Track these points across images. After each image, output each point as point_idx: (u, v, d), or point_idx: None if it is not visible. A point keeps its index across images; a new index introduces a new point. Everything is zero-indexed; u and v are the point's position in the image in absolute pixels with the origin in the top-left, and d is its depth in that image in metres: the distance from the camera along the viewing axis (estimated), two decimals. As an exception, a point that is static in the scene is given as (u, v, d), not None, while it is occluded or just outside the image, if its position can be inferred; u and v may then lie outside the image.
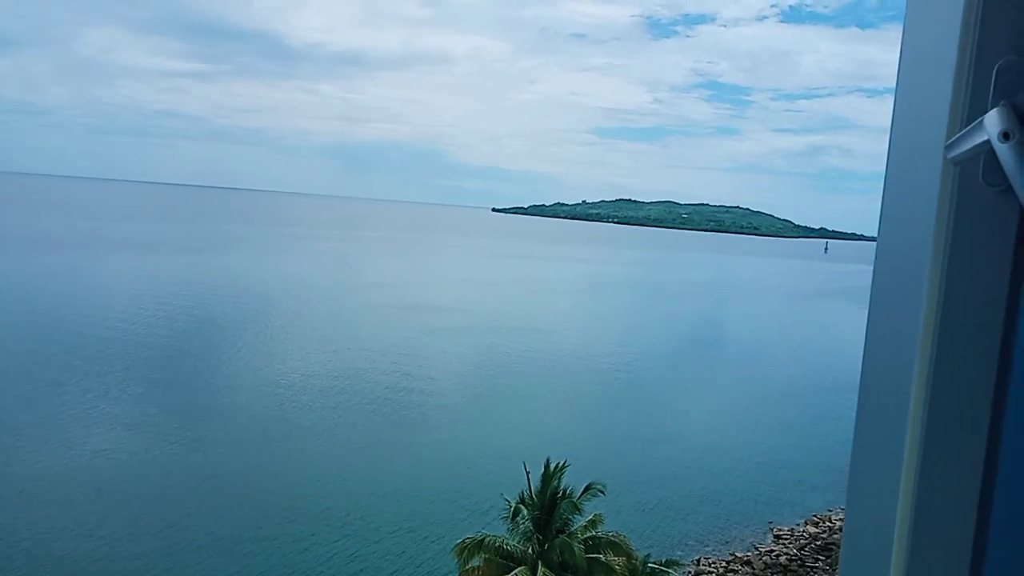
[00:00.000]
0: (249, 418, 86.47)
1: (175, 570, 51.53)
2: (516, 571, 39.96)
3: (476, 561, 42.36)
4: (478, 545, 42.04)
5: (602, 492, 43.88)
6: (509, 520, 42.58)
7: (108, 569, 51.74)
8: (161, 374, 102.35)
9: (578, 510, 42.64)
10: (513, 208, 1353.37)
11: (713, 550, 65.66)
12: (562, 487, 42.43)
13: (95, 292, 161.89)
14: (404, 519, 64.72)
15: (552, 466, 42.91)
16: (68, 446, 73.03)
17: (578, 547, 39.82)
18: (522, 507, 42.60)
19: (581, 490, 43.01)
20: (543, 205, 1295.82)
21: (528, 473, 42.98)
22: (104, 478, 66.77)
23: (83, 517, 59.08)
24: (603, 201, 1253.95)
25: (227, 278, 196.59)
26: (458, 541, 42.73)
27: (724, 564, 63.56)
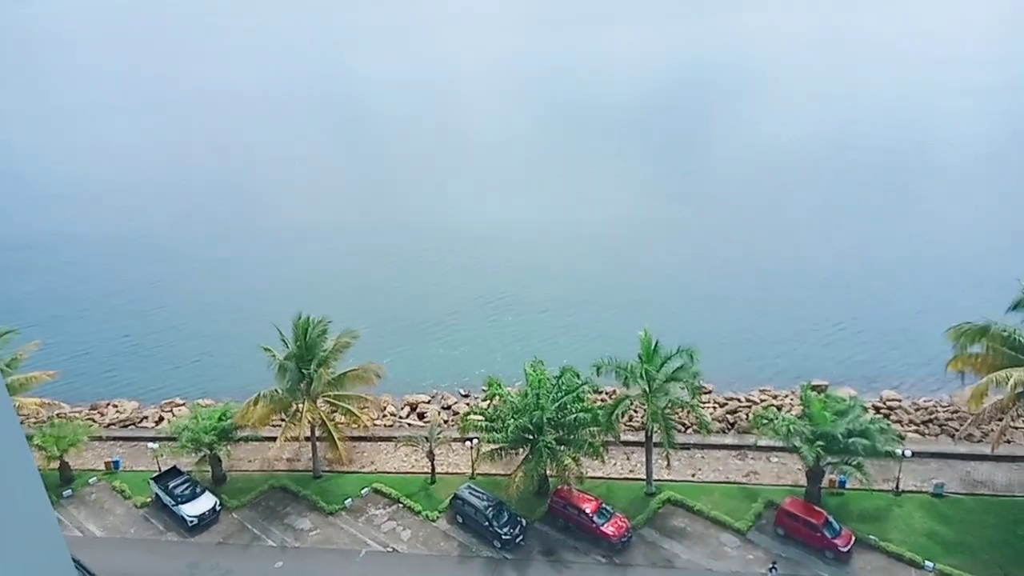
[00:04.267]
0: (741, 179, 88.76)
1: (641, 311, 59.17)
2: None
3: (977, 348, 38.72)
4: (980, 332, 38.11)
5: None
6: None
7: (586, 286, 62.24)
8: (660, 136, 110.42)
9: None
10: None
11: None
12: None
13: (580, 64, 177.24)
14: (890, 292, 61.44)
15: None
16: (580, 193, 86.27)
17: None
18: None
19: None
20: None
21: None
22: (605, 221, 77.88)
23: (583, 247, 71.05)
24: None
25: (713, 43, 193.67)
26: (954, 325, 39.28)
27: None
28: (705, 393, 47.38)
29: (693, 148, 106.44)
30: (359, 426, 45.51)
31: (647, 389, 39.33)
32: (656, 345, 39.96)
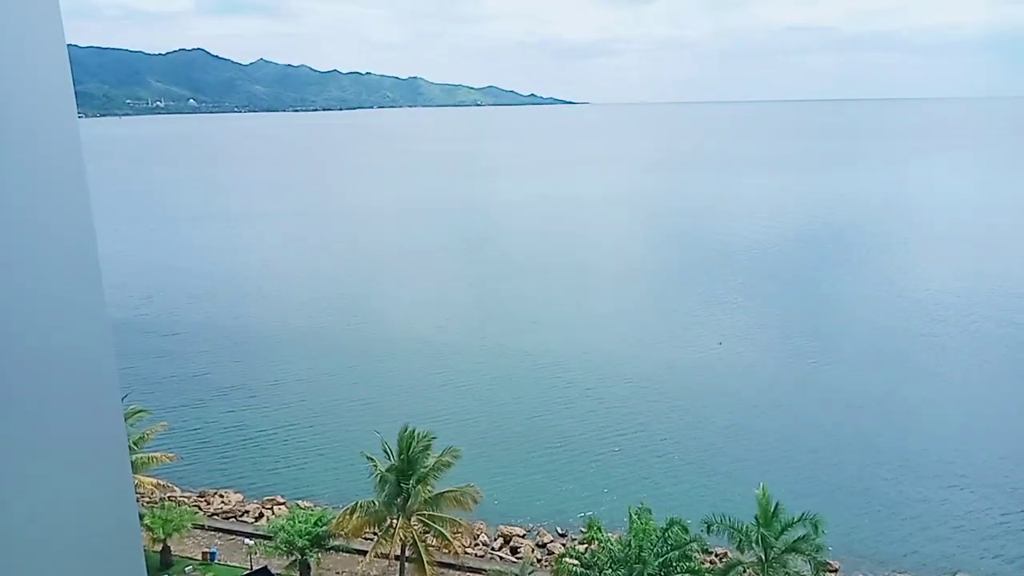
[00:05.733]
0: (862, 344, 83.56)
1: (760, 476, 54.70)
2: None
3: None
4: None
5: None
6: None
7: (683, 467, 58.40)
8: (775, 288, 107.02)
9: None
10: None
11: None
12: None
13: (714, 207, 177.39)
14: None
15: None
16: (685, 344, 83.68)
17: None
18: None
19: None
20: None
21: None
22: (707, 375, 74.57)
23: (667, 408, 67.68)
24: None
25: (847, 195, 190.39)
26: None
27: None
28: (831, 572, 42.49)
29: (825, 299, 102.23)
30: (450, 552, 43.80)
31: (763, 557, 35.71)
32: (776, 508, 36.60)
